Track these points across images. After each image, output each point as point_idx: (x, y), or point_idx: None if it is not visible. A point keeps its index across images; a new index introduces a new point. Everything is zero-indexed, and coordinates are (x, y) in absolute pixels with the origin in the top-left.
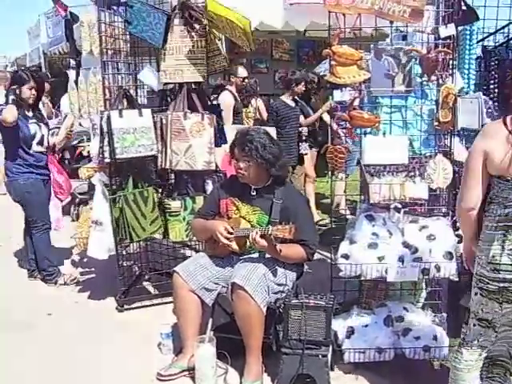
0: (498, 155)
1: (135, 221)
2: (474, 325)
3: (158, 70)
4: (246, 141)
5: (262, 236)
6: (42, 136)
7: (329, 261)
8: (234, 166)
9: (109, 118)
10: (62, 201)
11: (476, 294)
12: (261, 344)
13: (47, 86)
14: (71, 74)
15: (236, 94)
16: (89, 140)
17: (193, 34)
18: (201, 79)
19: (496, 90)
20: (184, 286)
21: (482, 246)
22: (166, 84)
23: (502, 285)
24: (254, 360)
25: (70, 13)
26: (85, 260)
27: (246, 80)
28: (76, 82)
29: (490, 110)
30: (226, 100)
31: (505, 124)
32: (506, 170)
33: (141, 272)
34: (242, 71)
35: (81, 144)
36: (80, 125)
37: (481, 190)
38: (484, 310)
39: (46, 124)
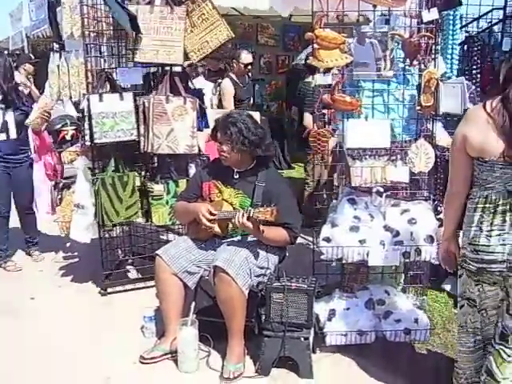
0: (477, 137)
1: (109, 204)
2: (463, 305)
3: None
4: (228, 123)
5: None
6: (4, 123)
7: (311, 245)
8: (217, 149)
9: (88, 101)
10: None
11: (461, 275)
12: (243, 327)
13: (30, 68)
14: (54, 56)
15: (238, 81)
16: (72, 124)
17: (172, 16)
18: (176, 62)
19: (478, 76)
20: (166, 269)
21: (464, 227)
22: (148, 67)
23: (480, 265)
24: (236, 343)
25: None
26: (68, 244)
27: (250, 67)
28: (58, 66)
29: (472, 96)
30: (227, 87)
31: (484, 108)
32: (483, 150)
33: (124, 256)
34: (245, 57)
35: (64, 128)
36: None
37: (466, 173)
38: (470, 290)
39: (18, 108)
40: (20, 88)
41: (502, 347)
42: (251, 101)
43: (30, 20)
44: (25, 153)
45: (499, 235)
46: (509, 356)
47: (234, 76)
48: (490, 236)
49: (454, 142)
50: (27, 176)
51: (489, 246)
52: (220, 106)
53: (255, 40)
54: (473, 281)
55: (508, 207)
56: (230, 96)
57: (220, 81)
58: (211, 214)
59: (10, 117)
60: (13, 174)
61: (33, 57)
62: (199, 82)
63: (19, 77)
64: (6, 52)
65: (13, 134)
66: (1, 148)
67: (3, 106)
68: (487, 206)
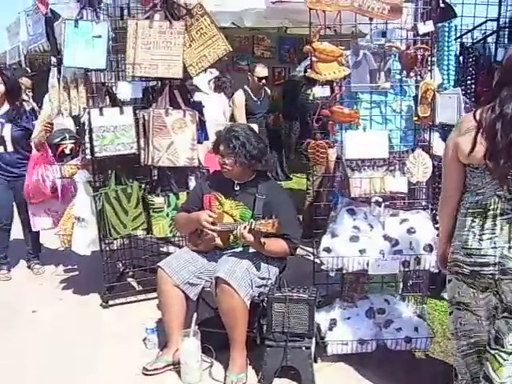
0: (467, 144)
1: (115, 217)
2: (452, 312)
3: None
4: (231, 137)
5: (248, 230)
6: (1, 137)
7: (311, 256)
8: (219, 162)
9: (89, 115)
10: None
11: (450, 280)
12: (245, 337)
13: (28, 81)
14: (54, 71)
15: (251, 94)
16: (71, 138)
17: (171, 30)
18: (175, 76)
19: (473, 86)
20: (168, 280)
21: (456, 232)
22: (148, 81)
23: (473, 268)
24: (238, 353)
25: (51, 10)
26: (68, 257)
27: (264, 80)
28: (58, 80)
29: (467, 106)
30: (238, 98)
31: (474, 116)
32: (473, 157)
33: (125, 268)
34: (260, 70)
35: (63, 142)
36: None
37: (457, 179)
38: (460, 293)
39: (17, 125)
40: (24, 103)
41: (497, 351)
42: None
43: (28, 34)
44: (26, 166)
45: (490, 239)
46: (505, 360)
47: (248, 89)
48: (482, 240)
49: (446, 149)
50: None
51: (480, 249)
52: (232, 117)
53: (251, 52)
54: (465, 284)
55: (498, 212)
56: (242, 108)
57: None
58: (212, 218)
59: (7, 132)
60: (14, 188)
61: (29, 70)
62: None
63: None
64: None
65: (9, 148)
66: (1, 160)
67: (3, 120)
68: (478, 210)
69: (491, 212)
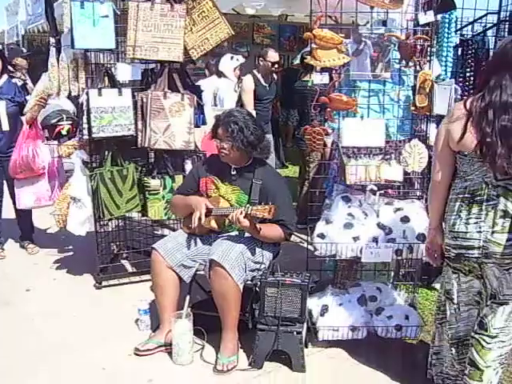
0: (457, 132)
1: (109, 198)
2: (440, 296)
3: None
4: (230, 121)
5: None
6: None
7: (305, 242)
8: (217, 146)
9: (87, 96)
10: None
11: (442, 264)
12: (237, 320)
13: (23, 61)
14: (52, 51)
15: (261, 79)
16: (68, 119)
17: (173, 13)
18: (175, 59)
19: (472, 78)
20: (162, 262)
21: (446, 217)
22: (147, 63)
23: (458, 251)
24: (230, 336)
25: None
26: (63, 237)
27: (277, 65)
28: (57, 60)
29: (458, 98)
30: (247, 84)
31: (465, 105)
32: (463, 145)
33: (119, 250)
34: (272, 55)
35: (60, 123)
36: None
37: (447, 165)
38: (446, 279)
39: (10, 100)
40: (13, 80)
41: (481, 336)
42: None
43: (27, 14)
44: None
45: (476, 223)
46: (488, 343)
47: (257, 73)
48: (468, 223)
49: (437, 136)
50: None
51: (466, 232)
52: (240, 102)
53: (251, 39)
54: (450, 268)
55: (485, 197)
56: (250, 93)
57: (243, 78)
58: (208, 209)
59: (2, 109)
60: (3, 166)
61: (25, 50)
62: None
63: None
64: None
65: (5, 126)
66: None
67: None
68: (466, 196)
69: (478, 198)
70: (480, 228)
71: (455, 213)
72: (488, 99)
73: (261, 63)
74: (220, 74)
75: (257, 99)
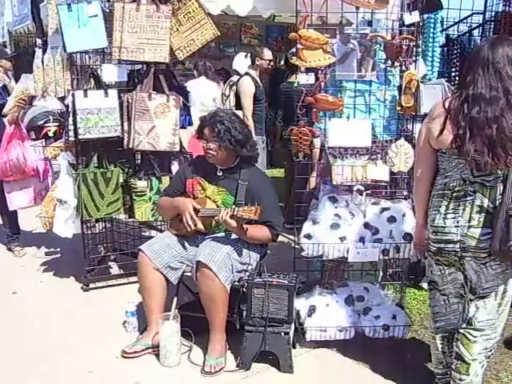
0: (436, 131)
1: (89, 199)
2: (428, 288)
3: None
4: (216, 121)
5: (230, 216)
6: None
7: (292, 243)
8: (203, 147)
9: (73, 97)
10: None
11: (426, 257)
12: (224, 322)
13: (7, 63)
14: (38, 52)
15: (258, 80)
16: (55, 120)
17: (159, 14)
18: (161, 60)
19: (457, 78)
20: (149, 264)
21: (428, 212)
22: (133, 64)
23: (438, 245)
24: (217, 337)
25: None
26: (50, 240)
27: (272, 63)
28: (42, 61)
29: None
30: (247, 86)
31: (443, 104)
32: (441, 142)
33: (106, 252)
34: (268, 53)
35: (47, 124)
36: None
37: (427, 162)
38: (432, 271)
39: None
40: None
41: (466, 330)
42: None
43: (13, 15)
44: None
45: (454, 218)
46: (474, 337)
47: (254, 74)
48: (446, 218)
49: (419, 134)
50: None
51: (445, 227)
52: (238, 105)
53: (238, 39)
54: (433, 261)
55: (462, 193)
56: (251, 95)
57: (232, 80)
58: (195, 209)
59: None
60: None
61: (9, 52)
62: (202, 82)
63: None
64: None
65: None
66: None
67: None
68: (446, 192)
69: (455, 194)
70: (458, 223)
71: (435, 208)
72: (464, 95)
73: (257, 62)
74: (231, 73)
75: (256, 100)
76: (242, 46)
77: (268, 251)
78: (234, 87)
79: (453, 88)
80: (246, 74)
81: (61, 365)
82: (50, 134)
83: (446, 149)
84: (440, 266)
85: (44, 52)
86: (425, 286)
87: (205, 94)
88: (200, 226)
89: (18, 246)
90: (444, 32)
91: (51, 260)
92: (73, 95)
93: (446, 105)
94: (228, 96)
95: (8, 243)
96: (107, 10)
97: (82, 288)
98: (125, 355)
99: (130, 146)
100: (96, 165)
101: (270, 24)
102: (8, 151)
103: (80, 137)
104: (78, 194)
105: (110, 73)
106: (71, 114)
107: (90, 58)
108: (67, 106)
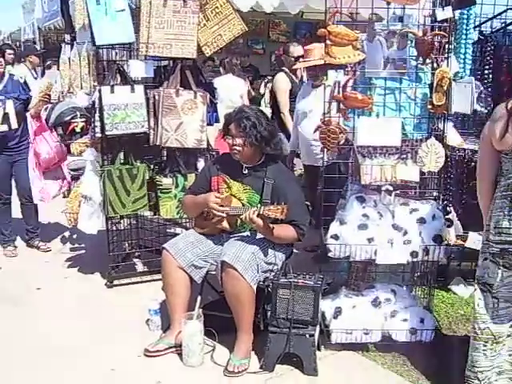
0: (498, 132)
1: (115, 196)
2: (476, 289)
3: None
4: (242, 117)
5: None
6: (5, 114)
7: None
8: (229, 143)
9: (100, 93)
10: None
11: (482, 259)
12: (252, 322)
13: (36, 59)
14: (65, 48)
15: (293, 76)
16: (82, 116)
17: (186, 9)
18: (189, 56)
19: (490, 76)
20: (173, 262)
21: (491, 214)
22: (160, 60)
23: (502, 246)
24: (244, 338)
25: None
26: (74, 236)
27: (301, 59)
28: (69, 57)
29: (482, 96)
30: (283, 82)
31: (506, 106)
32: (504, 143)
33: (131, 248)
34: (294, 49)
35: (74, 120)
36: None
37: (489, 162)
38: (489, 274)
39: (17, 98)
40: (15, 78)
41: None
42: None
43: (43, 12)
44: (25, 142)
45: None
46: None
47: (288, 71)
48: (511, 219)
49: (482, 137)
50: (27, 165)
51: (510, 228)
52: (274, 102)
53: (267, 36)
54: (494, 263)
55: None
56: (287, 93)
57: (267, 78)
58: (220, 200)
59: (11, 108)
60: (14, 164)
61: (38, 48)
62: (228, 79)
63: (20, 68)
64: (17, 43)
65: (14, 125)
66: (3, 138)
67: (3, 97)
68: (509, 193)
69: None
70: None
71: (499, 209)
72: None
73: (284, 60)
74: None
75: (293, 97)
76: (270, 43)
77: (294, 250)
78: (269, 84)
79: (481, 87)
80: (281, 70)
81: (82, 362)
82: (77, 129)
83: (509, 150)
84: (499, 269)
85: (71, 48)
86: (454, 288)
87: (232, 90)
88: (225, 224)
89: (41, 242)
90: (477, 28)
91: (75, 256)
92: (99, 91)
93: (509, 106)
94: (263, 95)
95: (31, 240)
96: (134, 6)
97: (106, 284)
98: (147, 354)
99: (158, 143)
100: (122, 161)
101: (299, 21)
102: (45, 143)
103: (107, 133)
104: (102, 190)
105: (137, 68)
106: (98, 110)
107: (116, 53)
108: (93, 102)
